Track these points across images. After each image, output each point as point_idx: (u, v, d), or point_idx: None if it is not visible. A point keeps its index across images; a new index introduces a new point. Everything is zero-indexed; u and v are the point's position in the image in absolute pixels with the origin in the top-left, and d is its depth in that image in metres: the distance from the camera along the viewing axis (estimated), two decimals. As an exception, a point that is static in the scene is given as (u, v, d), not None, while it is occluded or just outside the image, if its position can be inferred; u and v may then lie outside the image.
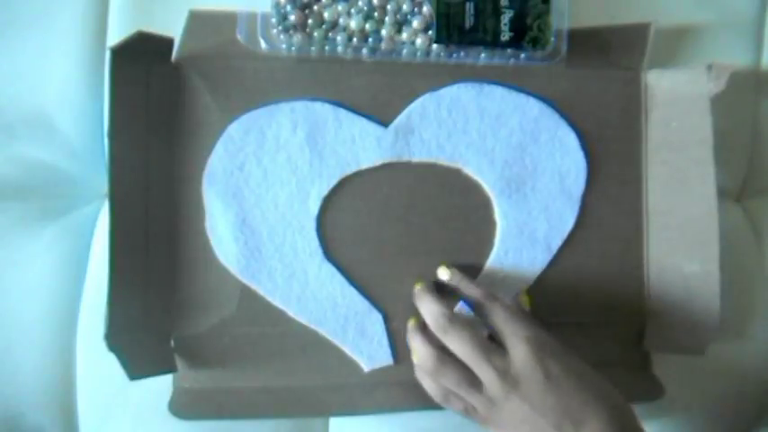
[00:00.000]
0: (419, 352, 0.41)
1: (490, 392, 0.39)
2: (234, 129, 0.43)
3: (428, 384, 0.42)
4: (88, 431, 0.46)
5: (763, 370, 0.50)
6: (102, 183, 0.44)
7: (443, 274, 0.44)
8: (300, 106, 0.44)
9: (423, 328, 0.42)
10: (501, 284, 0.46)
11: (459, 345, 0.40)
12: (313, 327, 0.45)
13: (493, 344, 0.40)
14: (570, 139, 0.46)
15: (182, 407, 0.44)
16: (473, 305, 0.42)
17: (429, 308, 0.42)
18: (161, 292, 0.43)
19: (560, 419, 0.37)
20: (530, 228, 0.46)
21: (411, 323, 0.43)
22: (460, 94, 0.45)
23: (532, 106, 0.46)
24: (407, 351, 0.45)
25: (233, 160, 0.44)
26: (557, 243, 0.46)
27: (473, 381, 0.39)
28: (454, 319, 0.40)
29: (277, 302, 0.44)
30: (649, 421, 0.43)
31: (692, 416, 0.50)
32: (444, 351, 0.40)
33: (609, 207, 0.47)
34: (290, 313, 0.44)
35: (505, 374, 0.38)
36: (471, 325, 0.40)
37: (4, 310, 0.45)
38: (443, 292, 0.44)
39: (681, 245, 0.47)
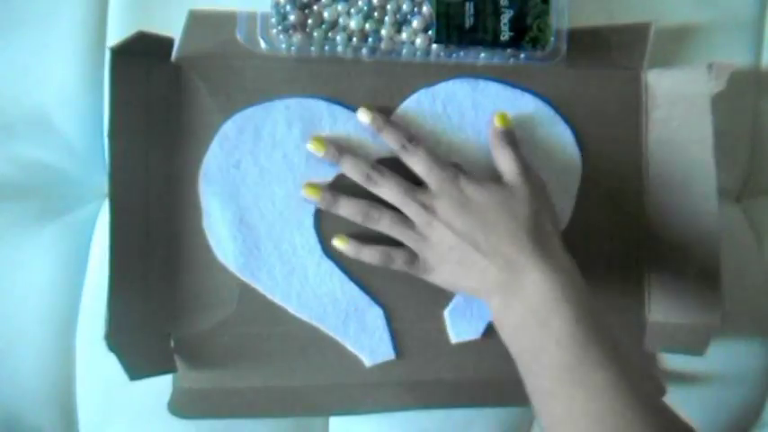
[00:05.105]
0: (348, 207, 0.42)
1: (418, 226, 0.41)
2: (229, 127, 0.43)
3: (367, 253, 0.42)
4: (88, 431, 0.46)
5: (762, 370, 0.50)
6: (101, 183, 0.44)
7: (364, 115, 0.43)
8: (294, 103, 0.44)
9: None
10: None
11: (388, 189, 0.41)
12: (314, 323, 0.45)
13: (419, 186, 0.42)
14: (566, 136, 0.46)
15: (182, 407, 0.44)
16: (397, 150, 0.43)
17: (355, 163, 0.42)
18: (161, 292, 0.43)
19: (488, 249, 0.39)
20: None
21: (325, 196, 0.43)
22: (456, 90, 0.45)
23: (528, 102, 0.46)
24: (409, 346, 0.45)
25: (229, 159, 0.44)
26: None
27: (405, 219, 0.41)
28: (381, 168, 0.42)
29: (277, 300, 0.44)
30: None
31: (692, 416, 0.49)
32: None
33: (608, 207, 0.47)
34: (291, 310, 0.44)
35: (428, 206, 0.40)
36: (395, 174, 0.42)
37: (4, 310, 0.45)
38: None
39: (681, 245, 0.46)
